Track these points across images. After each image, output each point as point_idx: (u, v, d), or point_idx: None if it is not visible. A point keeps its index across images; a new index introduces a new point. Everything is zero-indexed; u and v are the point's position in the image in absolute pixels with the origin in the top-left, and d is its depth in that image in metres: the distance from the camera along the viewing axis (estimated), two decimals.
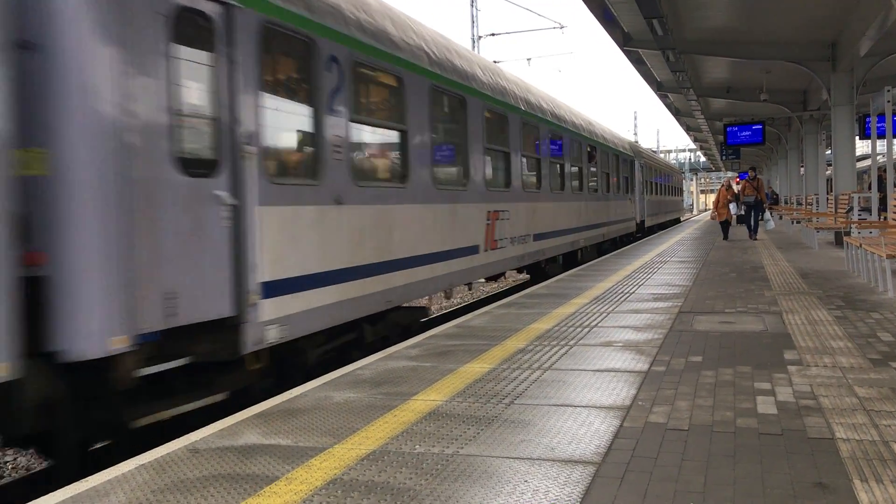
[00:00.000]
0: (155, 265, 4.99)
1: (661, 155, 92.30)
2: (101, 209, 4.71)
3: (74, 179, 4.67)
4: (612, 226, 21.34)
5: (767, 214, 24.50)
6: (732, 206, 22.96)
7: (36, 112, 4.65)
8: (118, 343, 4.70)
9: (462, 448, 4.02)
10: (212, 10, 5.58)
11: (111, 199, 4.74)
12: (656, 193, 32.71)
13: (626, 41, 18.94)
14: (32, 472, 6.16)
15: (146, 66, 5.01)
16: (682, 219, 48.14)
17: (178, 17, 5.27)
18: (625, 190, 23.92)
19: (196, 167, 5.41)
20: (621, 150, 23.42)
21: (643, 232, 28.52)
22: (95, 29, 4.71)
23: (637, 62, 22.83)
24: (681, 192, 47.95)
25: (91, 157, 4.70)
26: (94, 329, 4.65)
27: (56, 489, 3.71)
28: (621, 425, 4.34)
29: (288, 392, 5.44)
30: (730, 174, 65.28)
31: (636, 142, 33.93)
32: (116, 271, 4.73)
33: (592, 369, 5.82)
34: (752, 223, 22.07)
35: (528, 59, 35.73)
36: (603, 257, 17.94)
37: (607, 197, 20.82)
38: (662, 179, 35.17)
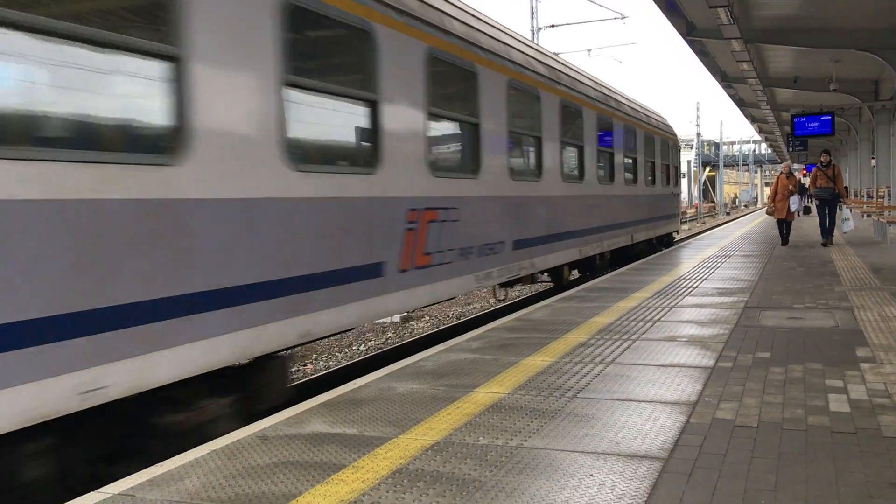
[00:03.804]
0: None
1: (726, 147, 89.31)
2: None
3: None
4: None
5: (847, 212, 18.73)
6: (794, 200, 17.76)
7: None
8: None
9: (526, 441, 4.03)
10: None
11: None
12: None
13: (689, 31, 18.57)
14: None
15: None
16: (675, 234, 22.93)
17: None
18: None
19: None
20: None
21: None
22: None
23: (701, 53, 22.35)
24: (669, 175, 20.97)
25: None
26: None
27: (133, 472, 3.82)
28: (688, 421, 4.29)
29: (352, 382, 5.52)
30: (796, 167, 63.08)
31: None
32: None
33: (656, 364, 5.75)
34: (828, 222, 17.33)
35: (589, 51, 35.28)
36: (664, 251, 17.63)
37: None
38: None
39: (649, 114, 19.25)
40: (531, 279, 11.67)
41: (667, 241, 21.03)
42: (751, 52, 19.77)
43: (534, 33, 31.75)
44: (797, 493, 3.25)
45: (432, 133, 7.90)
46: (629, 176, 16.27)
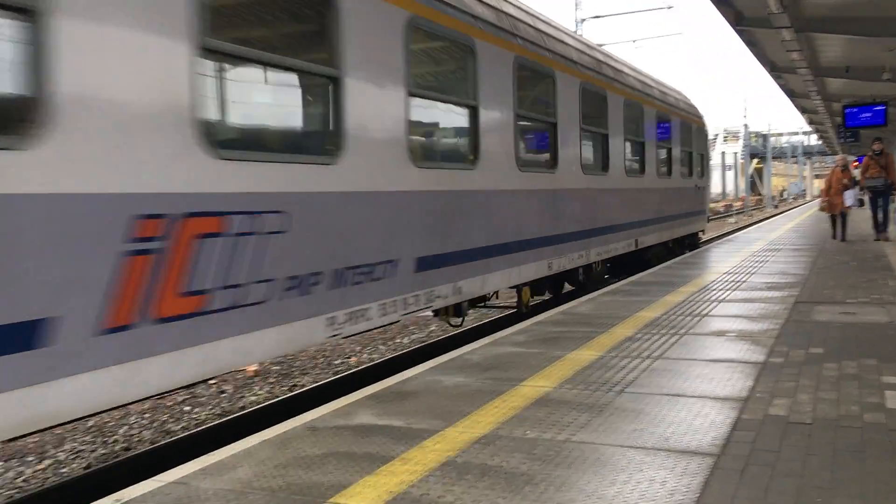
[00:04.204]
0: None
1: (774, 139, 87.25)
2: None
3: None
4: None
5: None
6: (849, 195, 16.55)
7: None
8: None
9: (574, 435, 4.01)
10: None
11: None
12: None
13: (738, 21, 18.20)
14: (158, 445, 6.51)
15: None
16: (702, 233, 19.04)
17: None
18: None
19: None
20: None
21: None
22: None
23: (750, 42, 21.93)
24: (692, 165, 17.43)
25: None
26: None
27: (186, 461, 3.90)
28: (739, 417, 4.22)
29: (399, 374, 5.54)
30: (851, 159, 61.42)
31: None
32: None
33: (705, 359, 5.67)
34: (881, 216, 16.38)
35: (634, 41, 34.92)
36: (710, 244, 17.35)
37: None
38: None
39: (666, 90, 15.72)
40: (456, 311, 7.68)
41: (690, 244, 17.53)
42: (801, 42, 19.34)
43: (577, 24, 31.49)
44: (854, 491, 3.18)
45: (213, 81, 4.97)
46: (633, 165, 12.88)
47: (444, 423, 4.31)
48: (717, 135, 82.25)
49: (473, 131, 7.55)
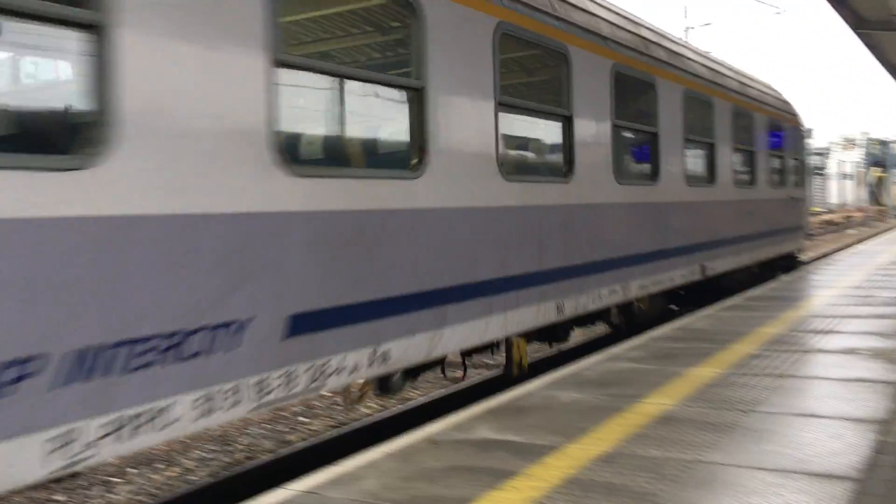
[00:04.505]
0: None
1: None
2: None
3: None
4: None
5: None
6: None
7: None
8: None
9: (701, 455, 3.88)
10: None
11: None
12: None
13: (859, 24, 17.41)
14: (280, 456, 6.71)
15: None
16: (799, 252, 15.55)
17: None
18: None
19: None
20: None
21: None
22: None
23: (870, 46, 20.92)
24: (784, 172, 14.38)
25: None
26: None
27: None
28: (880, 440, 3.99)
29: (515, 389, 5.52)
30: None
31: None
32: None
33: (837, 378, 5.40)
34: None
35: (744, 50, 34.06)
36: (829, 258, 16.56)
37: None
38: None
39: (747, 82, 12.92)
40: (383, 386, 5.73)
41: (786, 266, 14.51)
42: None
43: (686, 32, 30.88)
44: None
45: None
46: (698, 172, 10.51)
47: (564, 439, 4.26)
48: (832, 142, 78.68)
49: (417, 125, 5.17)
